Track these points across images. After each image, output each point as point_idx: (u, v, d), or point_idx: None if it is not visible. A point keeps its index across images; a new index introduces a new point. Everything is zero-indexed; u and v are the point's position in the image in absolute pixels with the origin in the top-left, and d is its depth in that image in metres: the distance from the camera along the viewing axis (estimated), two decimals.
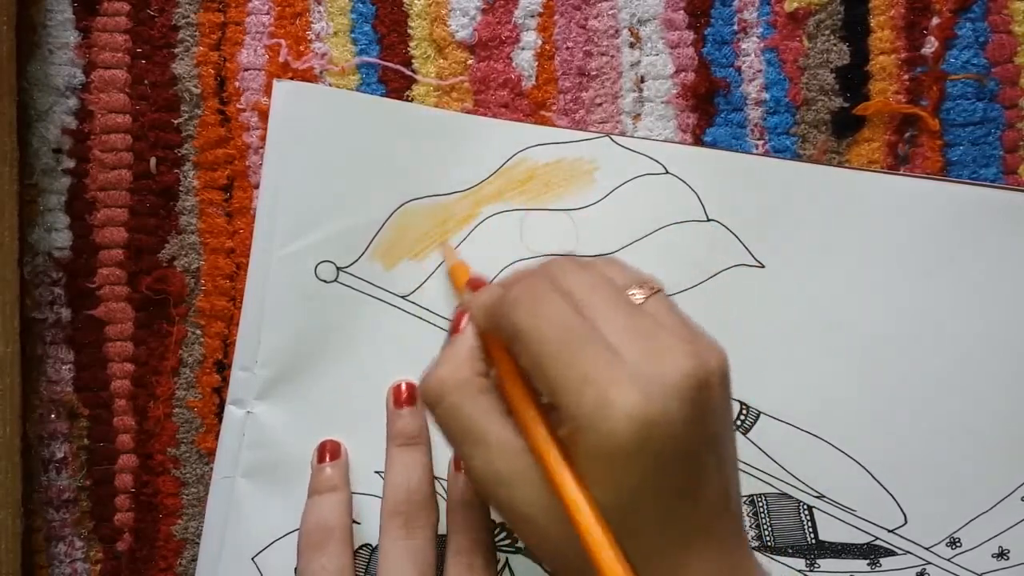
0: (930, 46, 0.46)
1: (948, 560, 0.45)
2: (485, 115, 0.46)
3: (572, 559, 0.30)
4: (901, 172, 0.46)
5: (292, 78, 0.46)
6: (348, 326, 0.46)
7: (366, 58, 0.46)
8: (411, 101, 0.46)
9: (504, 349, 0.34)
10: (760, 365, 0.45)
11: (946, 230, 0.45)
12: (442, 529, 0.41)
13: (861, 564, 0.45)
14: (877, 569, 0.45)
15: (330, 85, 0.46)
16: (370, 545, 0.46)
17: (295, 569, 0.45)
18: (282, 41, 0.46)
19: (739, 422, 0.45)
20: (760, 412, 0.45)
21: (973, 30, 0.46)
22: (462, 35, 0.46)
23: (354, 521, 0.45)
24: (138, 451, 0.47)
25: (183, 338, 0.47)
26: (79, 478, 0.47)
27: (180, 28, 0.46)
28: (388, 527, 0.40)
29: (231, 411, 0.46)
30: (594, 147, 0.45)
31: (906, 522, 0.45)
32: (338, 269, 0.45)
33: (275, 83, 0.45)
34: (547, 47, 0.46)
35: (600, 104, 0.46)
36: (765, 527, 0.45)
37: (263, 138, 0.46)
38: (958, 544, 0.45)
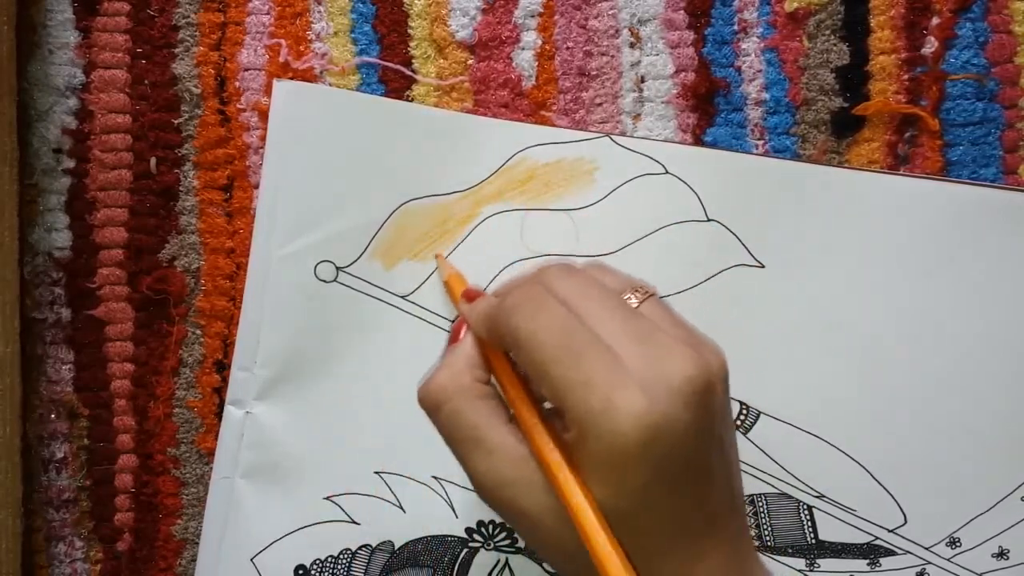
0: (930, 46, 0.46)
1: (948, 560, 0.45)
2: (485, 115, 0.46)
3: (579, 561, 0.30)
4: (901, 172, 0.46)
5: (292, 78, 0.46)
6: (347, 326, 0.46)
7: (366, 58, 0.46)
8: (411, 101, 0.46)
9: (504, 357, 0.34)
10: (760, 365, 0.45)
11: (946, 230, 0.45)
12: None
13: (861, 564, 0.45)
14: (877, 569, 0.45)
15: (330, 85, 0.46)
16: (370, 546, 0.46)
17: (294, 570, 0.45)
18: (282, 41, 0.46)
19: (739, 422, 0.45)
20: (760, 412, 0.45)
21: (973, 30, 0.46)
22: (462, 35, 0.46)
23: (353, 522, 0.45)
24: (138, 451, 0.47)
25: (183, 338, 0.47)
26: (79, 478, 0.47)
27: (180, 28, 0.46)
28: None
29: (230, 411, 0.46)
30: (594, 147, 0.45)
31: (906, 522, 0.45)
32: (337, 269, 0.45)
33: (275, 83, 0.45)
34: (547, 47, 0.46)
35: (600, 104, 0.46)
36: (765, 527, 0.45)
37: (263, 138, 0.46)
38: (958, 544, 0.45)
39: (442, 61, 0.46)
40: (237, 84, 0.46)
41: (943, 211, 0.45)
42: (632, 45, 0.46)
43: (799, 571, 0.45)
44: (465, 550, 0.46)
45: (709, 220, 0.45)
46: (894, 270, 0.45)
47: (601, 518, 0.29)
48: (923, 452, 0.45)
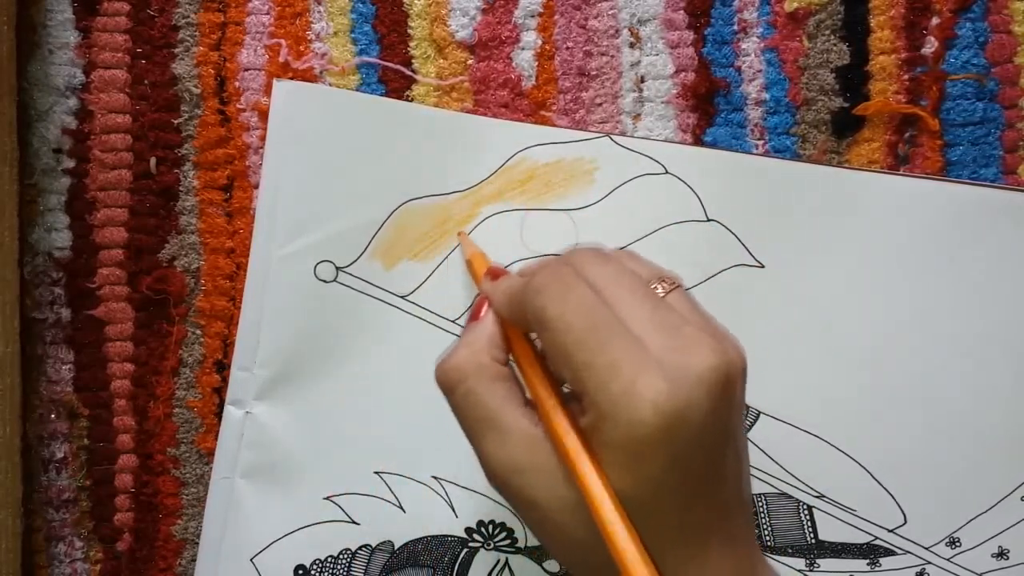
0: (930, 46, 0.46)
1: (948, 560, 0.45)
2: (485, 115, 0.46)
3: (588, 552, 0.30)
4: (901, 172, 0.46)
5: (292, 78, 0.46)
6: (347, 326, 0.46)
7: (366, 58, 0.46)
8: (411, 101, 0.46)
9: (524, 338, 0.34)
10: (760, 365, 0.45)
11: (946, 230, 0.45)
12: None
13: (861, 564, 0.45)
14: (877, 569, 0.45)
15: (330, 85, 0.46)
16: (370, 546, 0.46)
17: (294, 570, 0.45)
18: (282, 41, 0.46)
19: None
20: (760, 412, 0.45)
21: (973, 30, 0.46)
22: (462, 35, 0.46)
23: (353, 522, 0.45)
24: (138, 451, 0.47)
25: (183, 338, 0.47)
26: (79, 478, 0.47)
27: (180, 28, 0.46)
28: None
29: (230, 411, 0.46)
30: (594, 147, 0.45)
31: (906, 522, 0.45)
32: (337, 269, 0.45)
33: (275, 83, 0.45)
34: (547, 47, 0.46)
35: (600, 104, 0.46)
36: (765, 527, 0.45)
37: (263, 138, 0.46)
38: (958, 544, 0.45)
39: (442, 61, 0.46)
40: (237, 84, 0.46)
41: (943, 211, 0.45)
42: (632, 45, 0.46)
43: (799, 571, 0.45)
44: (465, 550, 0.46)
45: (709, 220, 0.45)
46: (894, 270, 0.45)
47: (619, 506, 0.28)
48: (923, 452, 0.45)
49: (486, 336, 0.34)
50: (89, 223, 0.46)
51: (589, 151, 0.45)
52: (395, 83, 0.46)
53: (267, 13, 0.46)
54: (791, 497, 0.45)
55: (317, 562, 0.46)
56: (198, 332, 0.47)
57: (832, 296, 0.45)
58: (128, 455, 0.47)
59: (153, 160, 0.46)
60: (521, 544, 0.46)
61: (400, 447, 0.46)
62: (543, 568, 0.46)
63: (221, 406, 0.46)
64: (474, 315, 0.36)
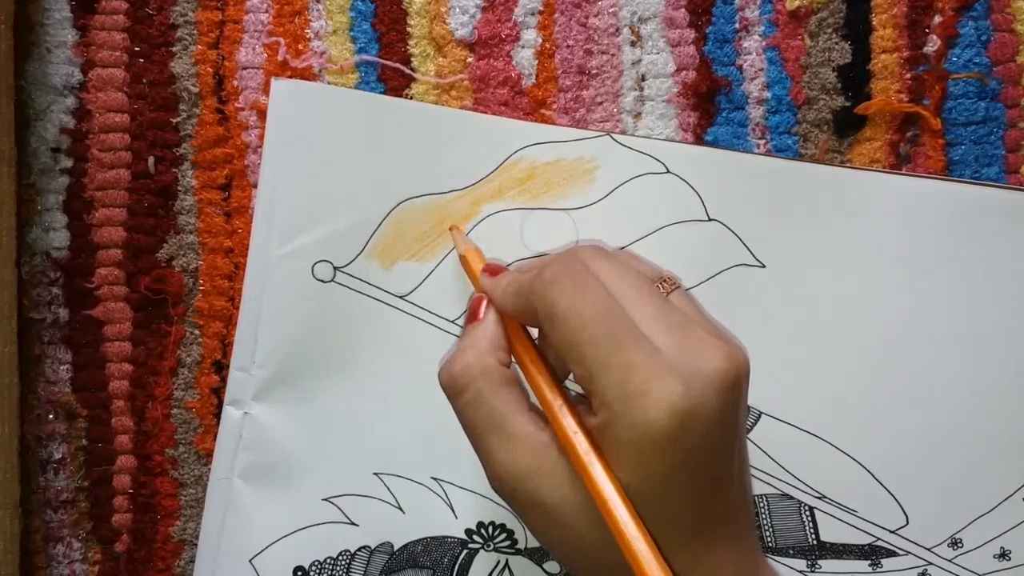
0: (932, 45, 0.46)
1: (949, 561, 0.45)
2: (485, 113, 0.46)
3: (597, 554, 0.30)
4: (903, 172, 0.46)
5: (291, 76, 0.46)
6: (345, 326, 0.45)
7: (365, 56, 0.46)
8: (410, 99, 0.46)
9: (527, 336, 0.34)
10: (761, 365, 0.45)
11: (948, 230, 0.45)
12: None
13: (862, 565, 0.45)
14: (878, 570, 0.45)
15: (329, 83, 0.46)
16: (369, 547, 0.46)
17: (293, 571, 0.45)
18: (281, 39, 0.46)
19: None
20: (761, 412, 0.45)
21: (975, 29, 0.45)
22: (461, 33, 0.46)
23: (352, 523, 0.45)
24: (136, 452, 0.47)
25: (181, 338, 0.46)
26: (77, 479, 0.46)
27: (178, 26, 0.46)
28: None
29: (228, 412, 0.46)
30: (595, 146, 0.45)
31: (907, 523, 0.45)
32: (335, 269, 0.45)
33: (273, 81, 0.45)
34: (547, 45, 0.46)
35: (600, 103, 0.46)
36: (766, 528, 0.45)
37: (262, 137, 0.46)
38: (959, 545, 0.45)
39: (441, 59, 0.46)
40: (235, 83, 0.46)
41: (945, 211, 0.45)
42: (633, 43, 0.46)
43: (800, 572, 0.45)
44: (465, 551, 0.46)
45: (710, 220, 0.45)
46: (895, 270, 0.45)
47: (631, 506, 0.29)
48: (925, 453, 0.45)
49: (489, 337, 0.34)
50: (87, 223, 0.46)
51: (590, 150, 0.45)
52: (394, 81, 0.46)
53: (265, 11, 0.46)
54: (792, 498, 0.45)
55: (316, 563, 0.46)
56: (196, 332, 0.46)
57: (833, 296, 0.45)
58: (126, 456, 0.47)
59: (151, 159, 0.46)
60: (521, 545, 0.45)
61: (399, 448, 0.46)
62: (543, 569, 0.45)
63: (220, 407, 0.46)
64: (472, 315, 0.36)
